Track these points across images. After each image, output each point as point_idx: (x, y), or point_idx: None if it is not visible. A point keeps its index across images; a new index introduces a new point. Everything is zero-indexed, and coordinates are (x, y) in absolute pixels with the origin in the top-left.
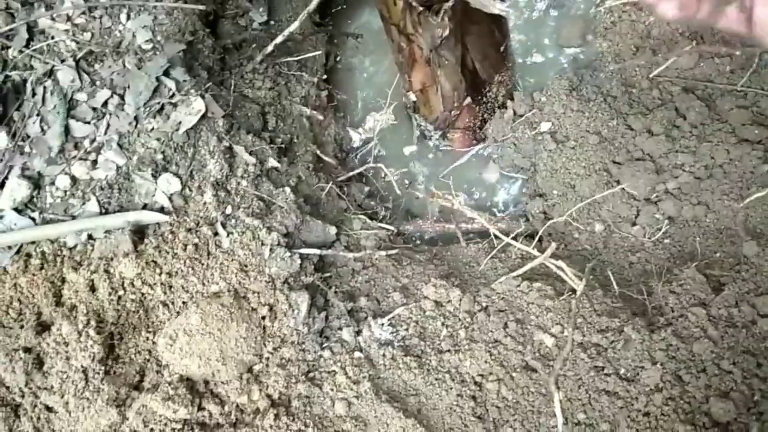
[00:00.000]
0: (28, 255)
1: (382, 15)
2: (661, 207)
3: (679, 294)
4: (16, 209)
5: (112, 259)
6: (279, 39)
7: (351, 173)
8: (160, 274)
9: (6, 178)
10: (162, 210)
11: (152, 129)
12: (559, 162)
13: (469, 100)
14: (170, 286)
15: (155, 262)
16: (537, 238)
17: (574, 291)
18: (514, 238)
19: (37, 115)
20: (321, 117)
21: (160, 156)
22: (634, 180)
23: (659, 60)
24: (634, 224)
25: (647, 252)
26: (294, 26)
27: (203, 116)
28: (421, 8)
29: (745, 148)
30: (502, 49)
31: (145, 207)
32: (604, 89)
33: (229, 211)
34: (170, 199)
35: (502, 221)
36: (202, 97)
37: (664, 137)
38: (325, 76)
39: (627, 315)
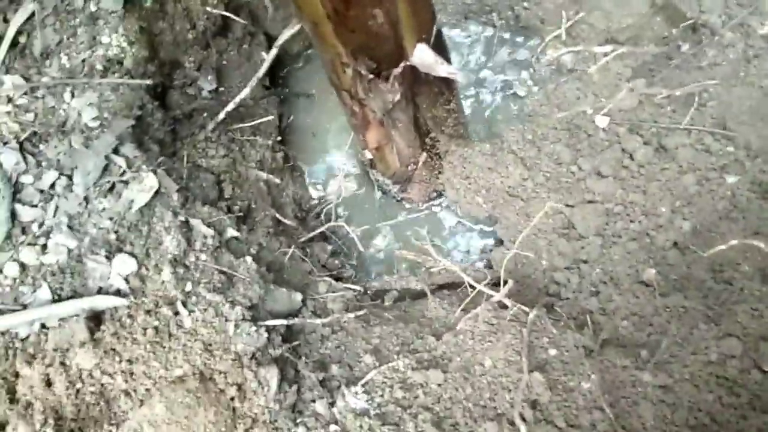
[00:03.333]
0: None
1: (332, 81)
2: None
3: None
4: None
5: (67, 349)
6: (230, 107)
7: (313, 233)
8: (119, 362)
9: None
10: (118, 293)
11: (103, 209)
12: (518, 209)
13: (424, 155)
14: (131, 374)
15: (114, 350)
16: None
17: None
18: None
19: None
20: (278, 180)
21: (113, 236)
22: (585, 222)
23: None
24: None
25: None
26: (244, 93)
27: (156, 192)
28: (370, 76)
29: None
30: (452, 105)
31: (100, 291)
32: (552, 136)
33: (189, 288)
34: (126, 280)
35: (469, 271)
36: (154, 172)
37: (613, 179)
38: (279, 138)
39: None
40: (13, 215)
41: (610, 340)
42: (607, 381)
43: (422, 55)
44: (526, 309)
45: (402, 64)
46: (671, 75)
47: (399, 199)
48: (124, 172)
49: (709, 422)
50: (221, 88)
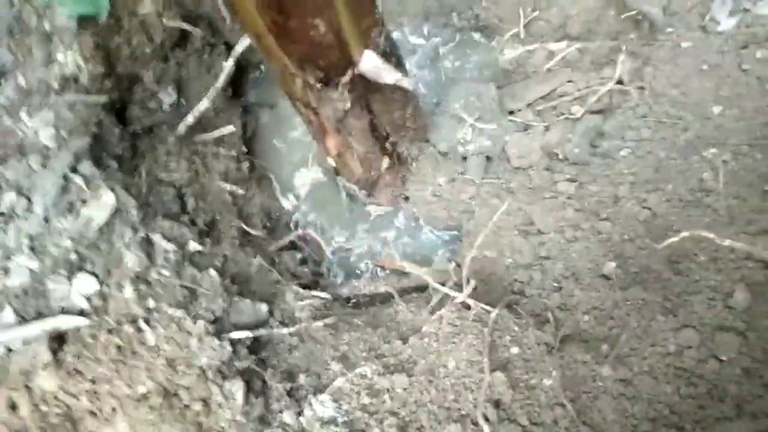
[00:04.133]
0: None
1: (285, 91)
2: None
3: None
4: None
5: (31, 372)
6: (189, 119)
7: (281, 242)
8: (83, 382)
9: None
10: (81, 312)
11: (63, 229)
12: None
13: (386, 160)
14: (96, 394)
15: (77, 370)
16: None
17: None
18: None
19: None
20: (242, 191)
21: (74, 256)
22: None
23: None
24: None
25: None
26: (203, 105)
27: (115, 209)
28: (319, 85)
29: None
30: (409, 109)
31: (62, 311)
32: None
33: (151, 304)
34: (88, 300)
35: (435, 273)
36: (112, 189)
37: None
38: (244, 148)
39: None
40: None
41: (572, 335)
42: (568, 377)
43: (369, 62)
44: (489, 308)
45: (349, 72)
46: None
47: (367, 203)
48: (83, 190)
49: (668, 414)
50: (182, 101)
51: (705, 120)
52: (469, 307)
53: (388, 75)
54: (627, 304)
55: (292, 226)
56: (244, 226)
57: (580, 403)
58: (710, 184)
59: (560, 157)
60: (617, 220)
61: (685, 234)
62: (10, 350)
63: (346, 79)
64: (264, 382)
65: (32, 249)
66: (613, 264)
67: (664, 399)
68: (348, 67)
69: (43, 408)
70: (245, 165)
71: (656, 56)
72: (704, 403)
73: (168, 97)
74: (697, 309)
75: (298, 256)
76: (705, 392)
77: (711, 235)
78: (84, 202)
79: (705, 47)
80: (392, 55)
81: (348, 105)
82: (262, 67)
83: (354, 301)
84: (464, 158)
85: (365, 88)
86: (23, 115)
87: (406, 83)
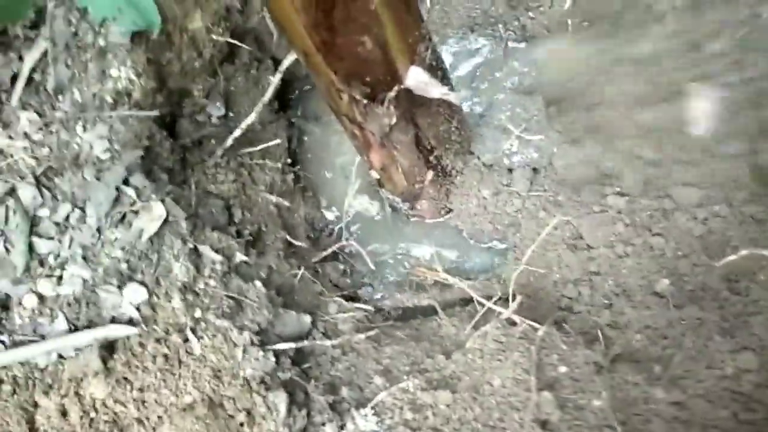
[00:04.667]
0: (0, 380)
1: (330, 106)
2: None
3: None
4: None
5: (82, 379)
6: (237, 132)
7: (324, 253)
8: (131, 391)
9: None
10: (130, 321)
11: (115, 239)
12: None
13: (430, 174)
14: (143, 402)
15: (126, 379)
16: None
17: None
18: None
19: (1, 234)
20: (288, 202)
21: (124, 265)
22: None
23: None
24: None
25: None
26: (250, 119)
27: (165, 221)
28: (365, 101)
29: None
30: (454, 122)
31: (113, 320)
32: None
33: (198, 314)
34: (138, 309)
35: (478, 286)
36: (163, 201)
37: None
38: (289, 160)
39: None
40: (31, 248)
41: (623, 355)
42: (619, 398)
43: (415, 78)
44: (536, 325)
45: (396, 88)
46: None
47: (410, 216)
48: (134, 202)
49: None
50: (230, 114)
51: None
52: (515, 324)
53: (434, 90)
54: (682, 323)
55: (334, 237)
56: (289, 238)
57: (631, 425)
58: None
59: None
60: (670, 235)
61: (744, 252)
62: (62, 357)
63: (392, 94)
64: (306, 394)
65: (85, 259)
66: (666, 281)
67: (719, 424)
68: (394, 82)
69: (92, 415)
70: (290, 177)
71: None
72: (762, 429)
73: (216, 110)
74: (756, 331)
75: (341, 267)
76: (763, 418)
77: None
78: (135, 213)
79: None
80: (438, 69)
81: (394, 120)
82: (308, 82)
83: (396, 313)
84: (510, 170)
85: (411, 103)
86: (78, 129)
87: (452, 98)
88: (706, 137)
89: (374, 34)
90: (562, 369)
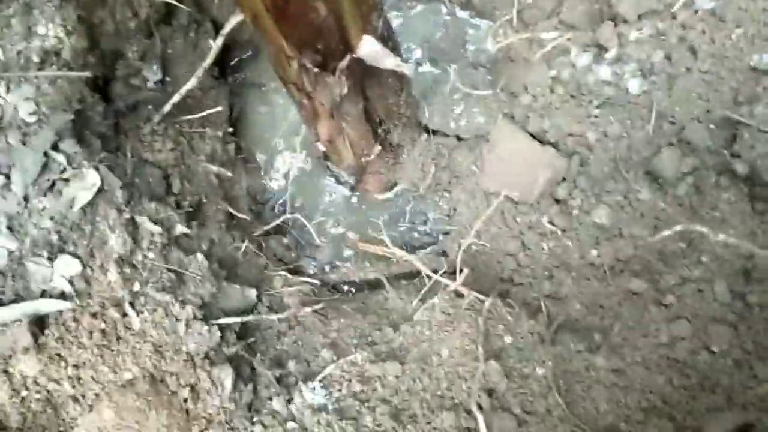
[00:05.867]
0: None
1: (278, 74)
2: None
3: None
4: None
5: (10, 356)
6: (176, 98)
7: (267, 227)
8: (66, 368)
9: None
10: (63, 295)
11: (44, 208)
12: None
13: (378, 147)
14: (79, 379)
15: (59, 355)
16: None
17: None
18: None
19: None
20: (230, 173)
21: (55, 237)
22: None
23: None
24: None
25: None
26: (190, 84)
27: (99, 189)
28: (316, 69)
29: None
30: (403, 95)
31: (43, 294)
32: None
33: (137, 288)
34: (71, 282)
35: (426, 260)
36: (96, 169)
37: None
38: (231, 129)
39: None
40: None
41: (564, 324)
42: (561, 366)
43: (368, 48)
44: (482, 297)
45: (348, 57)
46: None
47: (355, 189)
48: (65, 169)
49: (660, 404)
50: (167, 79)
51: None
52: (461, 296)
53: (387, 60)
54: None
55: (278, 210)
56: (231, 209)
57: (573, 392)
58: None
59: None
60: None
61: (678, 228)
62: None
63: (344, 64)
64: (253, 368)
65: (10, 229)
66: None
67: (656, 389)
68: (346, 51)
69: (23, 393)
70: (231, 147)
71: None
72: (696, 394)
73: (153, 74)
74: (689, 301)
75: (285, 240)
76: (697, 383)
77: (704, 230)
78: (66, 181)
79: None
80: (389, 40)
81: (345, 90)
82: (250, 47)
83: (342, 287)
84: (459, 139)
85: (362, 74)
86: (1, 90)
87: (405, 69)
88: None
89: (328, 1)
90: (508, 339)
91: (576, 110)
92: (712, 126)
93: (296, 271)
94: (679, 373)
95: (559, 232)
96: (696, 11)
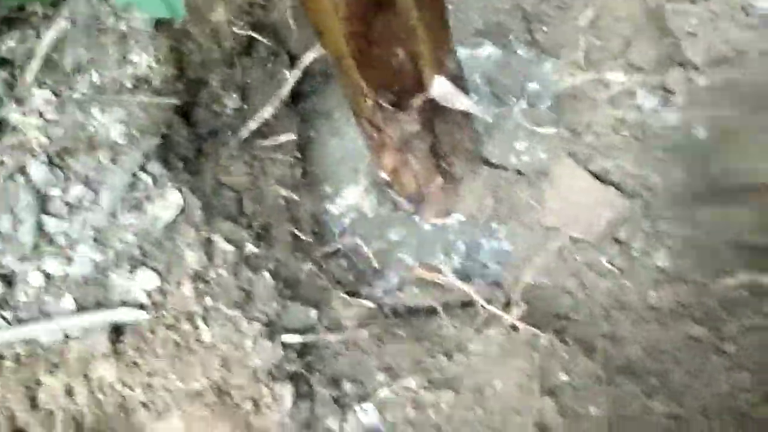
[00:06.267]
0: (1, 357)
1: (352, 108)
2: None
3: None
4: None
5: (89, 360)
6: (253, 125)
7: (328, 250)
8: (140, 375)
9: None
10: (141, 306)
11: (129, 224)
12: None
13: (440, 179)
14: (151, 387)
15: (135, 363)
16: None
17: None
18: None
19: (10, 211)
20: (296, 196)
21: (137, 251)
22: None
23: None
24: None
25: None
26: (267, 113)
27: (181, 209)
28: (391, 108)
29: None
30: (468, 131)
31: (123, 304)
32: None
33: (209, 303)
34: (149, 294)
35: (480, 290)
36: (180, 190)
37: None
38: (298, 155)
39: None
40: (40, 226)
41: (621, 365)
42: (617, 408)
43: (442, 89)
44: (538, 333)
45: (421, 97)
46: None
47: (413, 217)
48: (150, 188)
49: None
50: (245, 106)
51: None
52: (517, 329)
53: (459, 101)
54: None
55: (338, 234)
56: (295, 231)
57: None
58: None
59: None
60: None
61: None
62: (67, 337)
63: (418, 103)
64: (310, 386)
65: (96, 241)
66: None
67: None
68: (420, 90)
69: (100, 396)
70: (298, 171)
71: None
72: None
73: (232, 101)
74: (751, 351)
75: (344, 263)
76: None
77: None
78: (151, 200)
79: None
80: (461, 79)
81: (417, 128)
82: (320, 77)
83: (397, 312)
84: (519, 173)
85: (432, 111)
86: (95, 111)
87: (476, 110)
88: None
89: (408, 46)
90: (563, 377)
91: (640, 153)
92: None
93: (353, 294)
94: (739, 425)
95: (618, 273)
96: None
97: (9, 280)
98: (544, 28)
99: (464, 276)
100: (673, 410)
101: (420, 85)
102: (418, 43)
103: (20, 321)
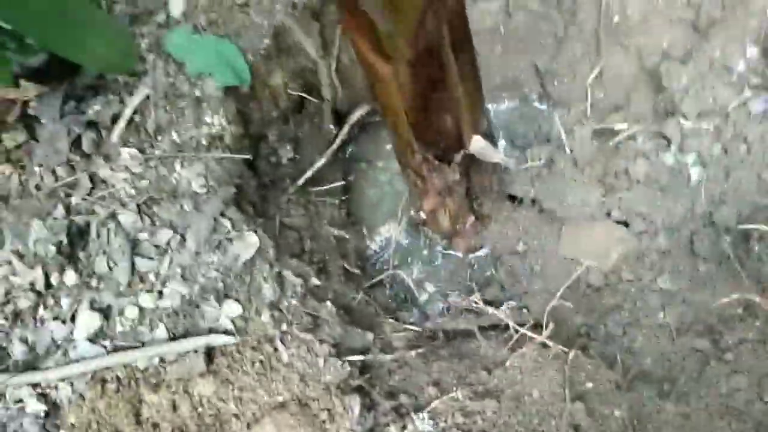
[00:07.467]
0: (104, 380)
1: (400, 160)
2: None
3: None
4: (88, 339)
5: (188, 380)
6: (309, 174)
7: (373, 281)
8: (232, 390)
9: (76, 311)
10: (226, 332)
11: (212, 262)
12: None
13: (473, 217)
14: (241, 400)
15: (228, 380)
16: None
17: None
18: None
19: (104, 253)
20: (345, 235)
21: (220, 285)
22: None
23: None
24: None
25: None
26: (320, 163)
27: (258, 248)
28: (437, 162)
29: None
30: (496, 175)
31: (210, 330)
32: None
33: (284, 328)
34: (233, 322)
35: (510, 314)
36: (255, 231)
37: None
38: (343, 197)
39: None
40: (133, 266)
41: (637, 374)
42: (636, 409)
43: (479, 146)
44: (566, 349)
45: (462, 152)
46: None
47: (446, 251)
48: (229, 231)
49: None
50: (297, 157)
51: None
52: (547, 347)
53: (492, 155)
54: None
55: (379, 267)
56: (345, 266)
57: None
58: None
59: None
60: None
61: (735, 296)
62: (163, 361)
63: (458, 158)
64: (372, 399)
65: (183, 277)
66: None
67: None
68: (460, 147)
69: (200, 409)
70: (344, 212)
71: None
72: None
73: (287, 153)
74: (746, 358)
75: (387, 292)
76: (752, 427)
77: (757, 299)
78: (230, 240)
79: None
80: (491, 135)
81: (457, 177)
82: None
83: (438, 335)
84: (540, 211)
85: (469, 162)
86: (177, 166)
87: (507, 163)
88: None
89: (453, 113)
90: (589, 385)
91: (644, 194)
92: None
93: (397, 320)
94: (737, 419)
95: (631, 296)
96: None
97: (106, 313)
98: (555, 82)
99: (494, 302)
100: (682, 410)
101: (460, 143)
102: (461, 110)
103: (117, 349)
